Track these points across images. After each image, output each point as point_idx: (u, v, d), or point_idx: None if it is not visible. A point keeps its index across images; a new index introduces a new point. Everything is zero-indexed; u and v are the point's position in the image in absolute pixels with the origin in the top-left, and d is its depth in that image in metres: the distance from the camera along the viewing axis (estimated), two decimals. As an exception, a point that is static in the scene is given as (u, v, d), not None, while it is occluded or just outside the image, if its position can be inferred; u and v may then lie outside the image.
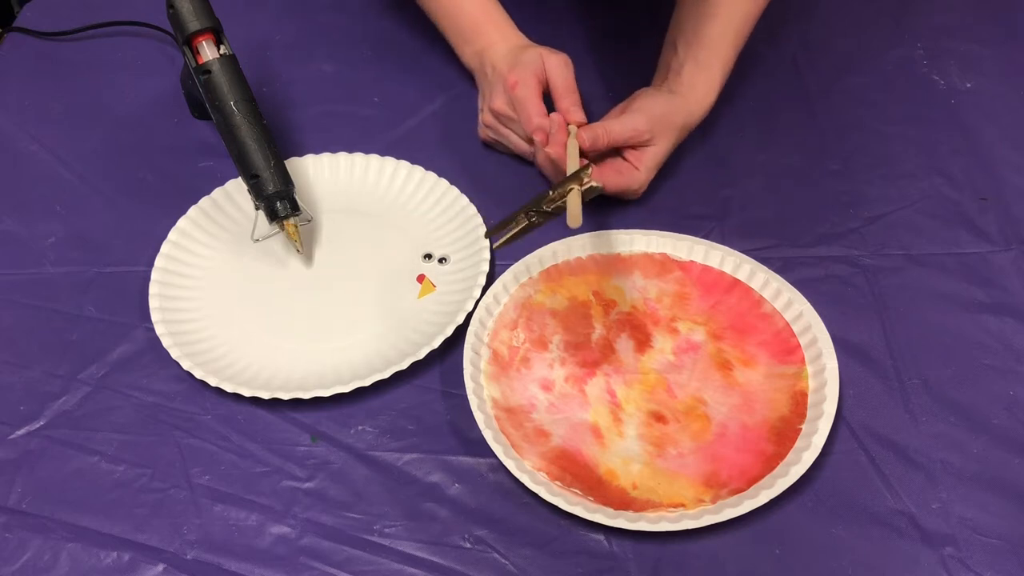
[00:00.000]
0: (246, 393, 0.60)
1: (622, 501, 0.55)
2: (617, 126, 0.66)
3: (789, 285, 0.64)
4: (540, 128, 0.66)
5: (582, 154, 0.65)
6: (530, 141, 0.70)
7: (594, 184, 0.59)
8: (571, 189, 0.59)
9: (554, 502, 0.55)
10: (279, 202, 0.66)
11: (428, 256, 0.69)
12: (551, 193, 0.60)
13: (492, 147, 0.75)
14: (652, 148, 0.68)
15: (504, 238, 0.62)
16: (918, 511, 0.56)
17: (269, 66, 0.82)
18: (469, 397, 0.59)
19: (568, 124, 0.67)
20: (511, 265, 0.66)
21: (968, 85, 0.80)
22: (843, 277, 0.67)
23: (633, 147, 0.68)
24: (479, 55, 0.74)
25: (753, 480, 0.56)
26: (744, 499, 0.54)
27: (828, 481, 0.57)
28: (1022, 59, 0.82)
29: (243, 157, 0.67)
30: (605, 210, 0.70)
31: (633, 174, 0.68)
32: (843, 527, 0.55)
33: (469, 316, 0.63)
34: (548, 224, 0.69)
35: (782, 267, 0.66)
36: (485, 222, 0.69)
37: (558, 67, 0.69)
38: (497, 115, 0.71)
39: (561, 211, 0.59)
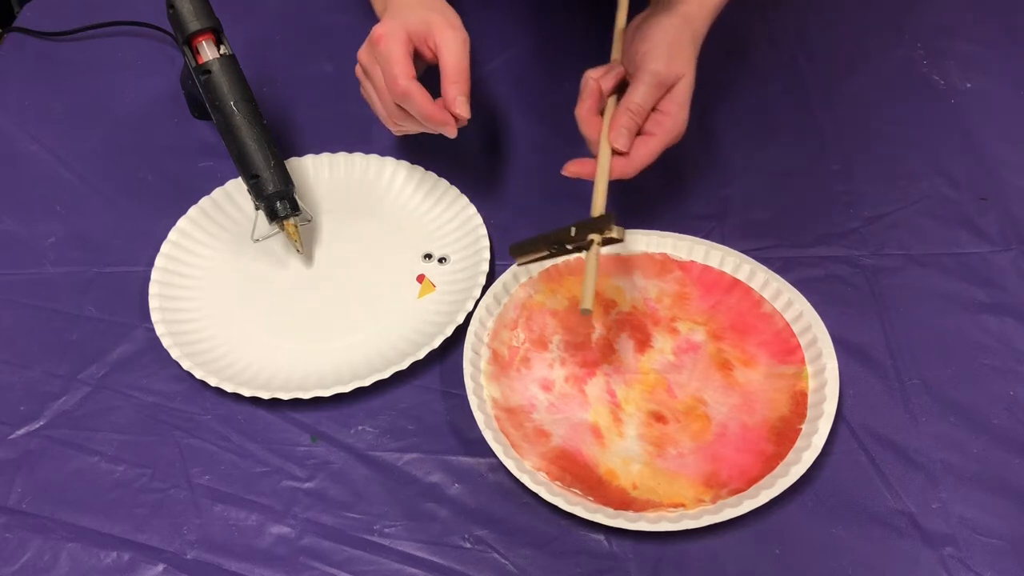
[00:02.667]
0: (246, 393, 0.60)
1: (622, 501, 0.55)
2: (639, 94, 0.61)
3: (789, 285, 0.64)
4: (406, 93, 0.59)
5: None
6: (396, 109, 0.62)
7: (615, 236, 0.56)
8: (591, 241, 0.56)
9: (554, 502, 0.55)
10: (279, 202, 0.66)
11: (428, 256, 0.69)
12: (572, 233, 0.57)
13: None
14: (680, 83, 0.62)
15: (526, 260, 0.61)
16: (918, 511, 0.56)
17: (269, 66, 0.82)
18: (469, 397, 0.59)
19: (603, 92, 0.62)
20: (511, 265, 0.66)
21: (968, 85, 0.80)
22: (843, 277, 0.67)
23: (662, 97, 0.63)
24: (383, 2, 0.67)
25: (753, 480, 0.56)
26: (744, 499, 0.54)
27: (828, 481, 0.57)
28: (1022, 59, 0.82)
29: (243, 157, 0.67)
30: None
31: (668, 123, 0.62)
32: (843, 527, 0.55)
33: (469, 316, 0.63)
34: (549, 224, 0.69)
35: (782, 267, 0.66)
36: (485, 222, 0.69)
37: (452, 44, 0.60)
38: (360, 65, 0.64)
39: (581, 250, 0.58)
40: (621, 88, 0.65)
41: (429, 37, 0.61)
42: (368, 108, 0.79)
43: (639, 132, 0.63)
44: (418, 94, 0.60)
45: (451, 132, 0.61)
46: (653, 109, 0.63)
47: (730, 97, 0.78)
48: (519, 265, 0.62)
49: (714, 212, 0.71)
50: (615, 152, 0.61)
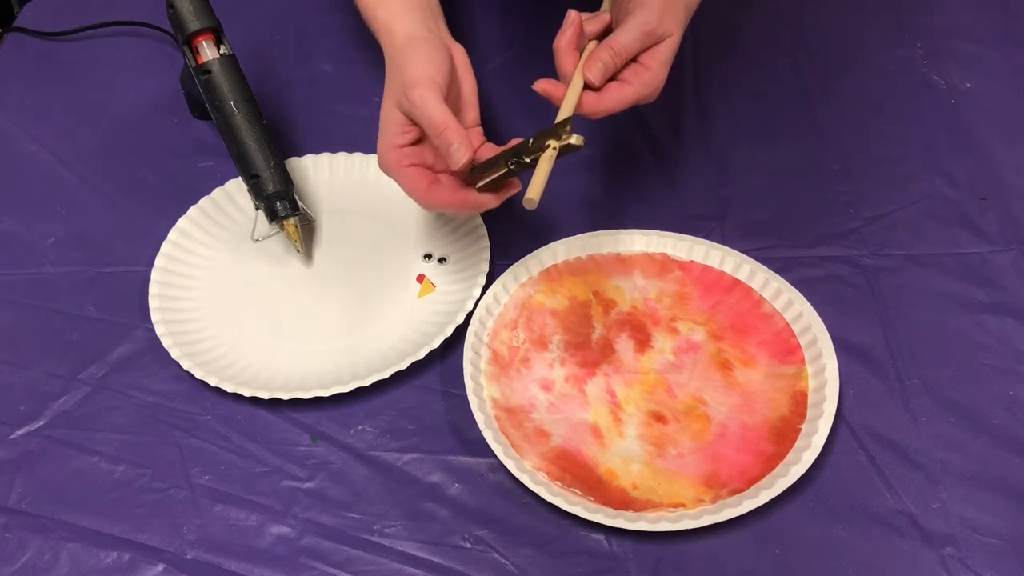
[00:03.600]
0: (246, 393, 0.60)
1: (622, 501, 0.55)
2: (625, 37, 0.59)
3: (789, 285, 0.64)
4: (459, 137, 0.56)
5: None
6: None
7: (573, 142, 0.54)
8: (548, 147, 0.54)
9: (554, 502, 0.55)
10: (279, 202, 0.66)
11: (428, 256, 0.69)
12: (530, 144, 0.55)
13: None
14: (666, 41, 0.60)
15: (484, 181, 0.59)
16: (918, 511, 0.56)
17: (269, 66, 0.82)
18: (469, 397, 0.59)
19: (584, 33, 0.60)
20: (511, 265, 0.66)
21: (968, 85, 0.80)
22: (843, 277, 0.67)
23: (645, 48, 0.60)
24: (377, 35, 0.64)
25: (753, 480, 0.56)
26: (744, 499, 0.54)
27: (828, 481, 0.57)
28: (1022, 59, 0.82)
29: (243, 157, 0.67)
30: (605, 209, 0.70)
31: (647, 76, 0.60)
32: (843, 527, 0.55)
33: (469, 316, 0.63)
34: (549, 224, 0.69)
35: (782, 267, 0.66)
36: (485, 222, 0.68)
37: (416, 109, 0.57)
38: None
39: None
40: (603, 37, 0.63)
41: (448, 68, 0.60)
42: (368, 108, 0.79)
43: (616, 78, 0.61)
44: (439, 199, 0.59)
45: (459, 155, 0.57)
46: (634, 60, 0.61)
47: (730, 97, 0.78)
48: (478, 188, 0.59)
49: (714, 212, 0.71)
50: (587, 86, 0.60)
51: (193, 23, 0.66)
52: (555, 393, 0.61)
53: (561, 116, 0.58)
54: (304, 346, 0.64)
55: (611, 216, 0.70)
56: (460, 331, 0.62)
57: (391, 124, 0.60)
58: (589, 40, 0.63)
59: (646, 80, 0.60)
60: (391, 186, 0.73)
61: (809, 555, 0.54)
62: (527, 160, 0.56)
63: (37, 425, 0.60)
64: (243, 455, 0.59)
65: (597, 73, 0.59)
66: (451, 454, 0.59)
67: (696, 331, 0.64)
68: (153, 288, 0.65)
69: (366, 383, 0.60)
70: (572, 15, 0.61)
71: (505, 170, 0.57)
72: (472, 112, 0.63)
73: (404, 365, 0.60)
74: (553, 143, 0.55)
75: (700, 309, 0.65)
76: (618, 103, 0.60)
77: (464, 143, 0.56)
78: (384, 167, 0.61)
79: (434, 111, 0.57)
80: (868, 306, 0.65)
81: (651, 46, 0.60)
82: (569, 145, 0.55)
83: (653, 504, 0.55)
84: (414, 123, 0.59)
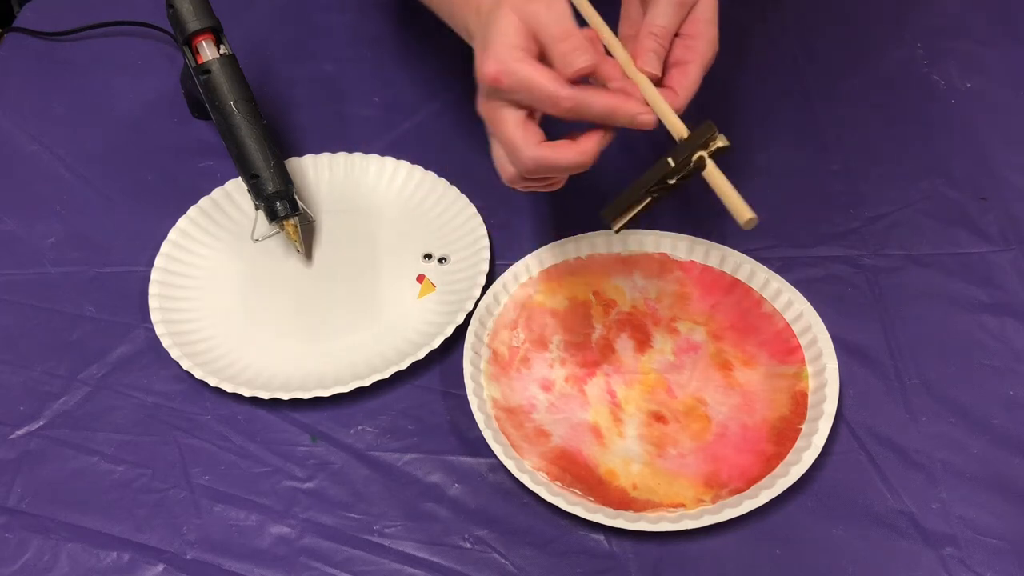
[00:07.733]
0: (246, 393, 0.60)
1: (622, 501, 0.55)
2: (661, 16, 0.53)
3: (789, 285, 0.64)
4: (573, 99, 0.50)
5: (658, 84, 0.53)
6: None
7: (720, 144, 0.50)
8: (700, 159, 0.50)
9: (554, 502, 0.55)
10: (279, 202, 0.66)
11: (428, 256, 0.69)
12: (672, 164, 0.50)
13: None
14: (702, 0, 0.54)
15: (625, 220, 0.55)
16: (918, 511, 0.56)
17: (269, 66, 0.82)
18: (469, 397, 0.59)
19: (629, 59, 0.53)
20: (511, 265, 0.66)
21: (968, 85, 0.80)
22: (843, 277, 0.67)
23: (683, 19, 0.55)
24: (467, 32, 0.57)
25: (753, 480, 0.56)
26: (744, 499, 0.54)
27: (828, 481, 0.57)
28: (1022, 59, 0.82)
29: (243, 157, 0.67)
30: (603, 209, 0.70)
31: (701, 45, 0.54)
32: (843, 527, 0.55)
33: (469, 316, 0.63)
34: (549, 224, 0.69)
35: (782, 267, 0.66)
36: (485, 222, 0.68)
37: (544, 13, 0.50)
38: (489, 121, 0.55)
39: (688, 182, 0.51)
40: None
41: (524, 31, 0.50)
42: (368, 108, 0.79)
43: (669, 65, 0.54)
44: (590, 91, 0.50)
45: (648, 118, 0.52)
46: (676, 35, 0.55)
47: (730, 97, 0.78)
48: (617, 231, 0.56)
49: (714, 212, 0.70)
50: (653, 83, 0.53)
51: (193, 23, 0.66)
52: (555, 393, 0.61)
53: (670, 123, 0.52)
54: (304, 346, 0.64)
55: (611, 216, 0.70)
56: (460, 331, 0.62)
57: (510, 28, 0.50)
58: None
59: (702, 50, 0.54)
60: (391, 186, 0.73)
61: (809, 555, 0.54)
62: (671, 182, 0.51)
63: (37, 425, 0.60)
64: (243, 455, 0.59)
65: (655, 63, 0.53)
66: (451, 454, 0.59)
67: (696, 331, 0.64)
68: (153, 288, 0.65)
69: (366, 383, 0.60)
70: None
71: (649, 199, 0.53)
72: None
73: (404, 365, 0.60)
74: (703, 154, 0.50)
75: (700, 309, 0.65)
76: (692, 87, 0.54)
77: (587, 50, 0.49)
78: (503, 70, 0.50)
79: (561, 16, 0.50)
80: (868, 306, 0.65)
81: (688, 14, 0.54)
82: (719, 148, 0.50)
83: (653, 504, 0.55)
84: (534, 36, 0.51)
